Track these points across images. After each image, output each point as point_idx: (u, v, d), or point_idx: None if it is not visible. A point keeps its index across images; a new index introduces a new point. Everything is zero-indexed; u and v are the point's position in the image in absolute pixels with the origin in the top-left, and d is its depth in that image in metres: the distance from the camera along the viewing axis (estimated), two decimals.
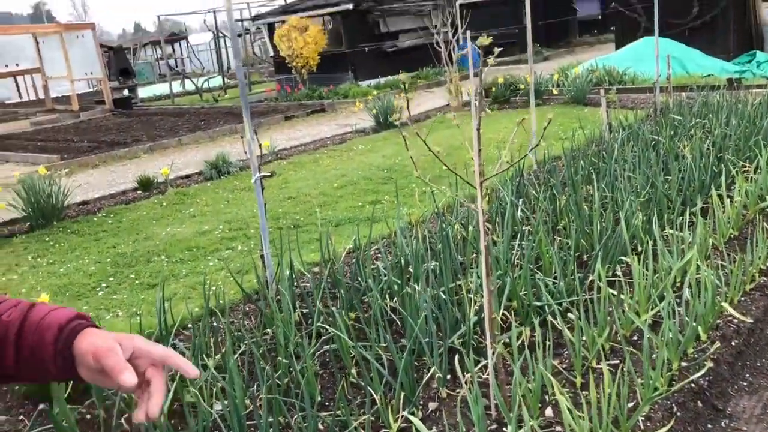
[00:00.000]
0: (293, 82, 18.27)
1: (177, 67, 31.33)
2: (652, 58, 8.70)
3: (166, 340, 3.37)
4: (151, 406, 0.97)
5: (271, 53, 21.11)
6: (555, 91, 11.54)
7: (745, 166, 5.44)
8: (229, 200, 7.19)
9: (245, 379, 3.08)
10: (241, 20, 24.71)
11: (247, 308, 4.10)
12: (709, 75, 11.51)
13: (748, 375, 3.03)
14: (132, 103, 19.62)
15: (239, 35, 24.54)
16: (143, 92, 24.61)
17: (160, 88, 25.67)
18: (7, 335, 0.99)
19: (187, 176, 8.67)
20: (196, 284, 4.68)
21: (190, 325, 3.85)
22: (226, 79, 23.57)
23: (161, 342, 3.42)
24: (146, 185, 7.98)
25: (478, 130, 2.39)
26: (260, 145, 4.19)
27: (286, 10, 20.44)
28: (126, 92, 20.16)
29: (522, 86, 11.78)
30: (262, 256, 4.08)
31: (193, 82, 22.71)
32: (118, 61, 21.04)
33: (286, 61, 17.99)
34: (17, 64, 20.91)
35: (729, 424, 2.71)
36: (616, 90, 10.03)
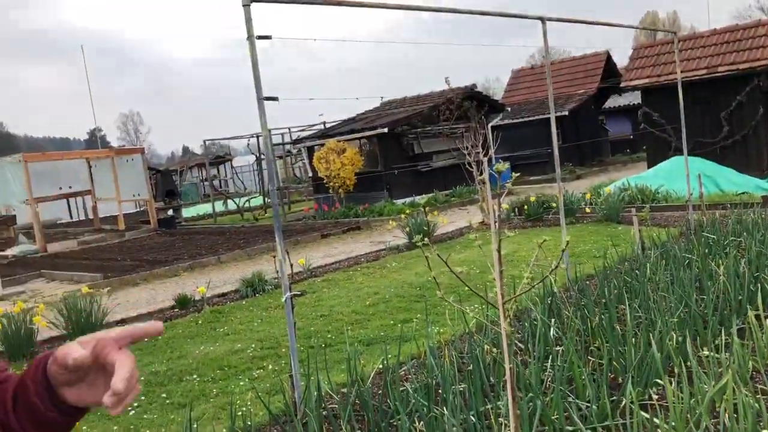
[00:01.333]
0: (330, 201, 18.78)
1: (221, 187, 32.55)
2: (684, 176, 8.78)
3: None
4: (114, 381, 0.93)
5: (311, 174, 21.87)
6: (588, 210, 11.62)
7: None
8: (263, 318, 7.26)
9: None
10: (282, 144, 25.82)
11: (274, 430, 4.05)
12: (743, 192, 11.51)
13: None
14: (176, 223, 20.29)
15: (280, 157, 25.57)
16: (187, 212, 25.50)
17: (204, 208, 26.59)
18: (5, 399, 1.02)
19: (224, 294, 8.81)
20: (225, 404, 4.66)
21: None
22: (266, 199, 24.33)
23: None
24: (183, 303, 8.13)
25: (499, 251, 2.45)
26: (291, 264, 4.30)
27: (325, 134, 21.35)
28: (170, 212, 20.91)
29: (554, 204, 11.90)
30: (291, 376, 4.09)
31: (234, 202, 23.50)
32: (165, 182, 22.00)
33: (324, 182, 18.59)
34: (70, 187, 21.99)
35: None
36: (649, 208, 10.06)
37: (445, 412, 3.40)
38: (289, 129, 25.58)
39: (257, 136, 24.44)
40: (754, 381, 3.80)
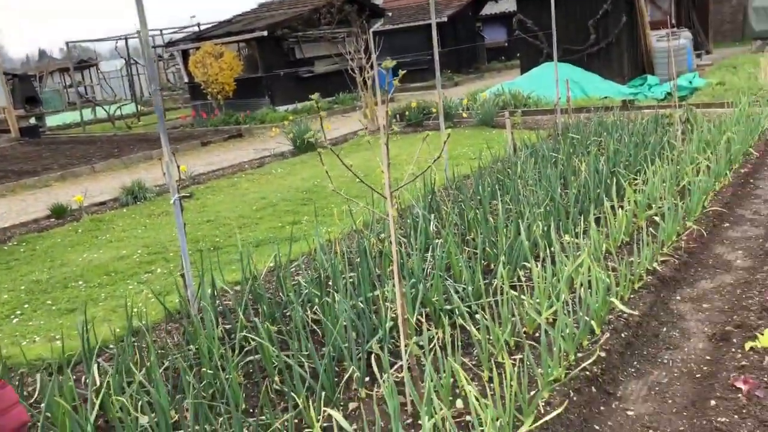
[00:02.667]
0: (209, 108, 18.20)
1: (87, 94, 30.48)
2: (554, 81, 9.29)
3: (90, 360, 3.41)
4: None
5: (186, 80, 20.94)
6: (465, 114, 12.05)
7: (635, 179, 5.94)
8: (147, 225, 7.17)
9: (170, 392, 3.16)
10: (155, 47, 24.39)
11: (170, 327, 4.16)
12: (605, 97, 12.33)
13: (636, 362, 3.36)
14: (40, 132, 18.99)
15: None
16: (51, 121, 23.83)
17: (70, 116, 24.91)
18: None
19: (103, 203, 8.54)
20: (116, 307, 4.69)
21: (112, 346, 3.89)
22: (139, 107, 23.15)
23: (85, 363, 3.47)
24: (60, 212, 7.83)
25: (387, 144, 2.62)
26: (178, 167, 4.29)
27: (200, 36, 20.36)
28: (33, 120, 19.49)
29: (434, 110, 12.23)
30: (182, 275, 4.16)
31: (105, 110, 22.19)
32: (24, 88, 20.37)
33: (202, 87, 17.91)
34: None
35: (619, 405, 3.02)
36: (521, 113, 10.59)
37: (337, 298, 3.64)
38: (161, 31, 24.17)
39: (126, 38, 22.95)
40: (607, 260, 4.31)
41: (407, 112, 12.48)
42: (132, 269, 5.61)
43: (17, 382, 3.39)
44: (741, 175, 6.43)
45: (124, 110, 22.31)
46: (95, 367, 3.32)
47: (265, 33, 17.75)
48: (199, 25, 23.51)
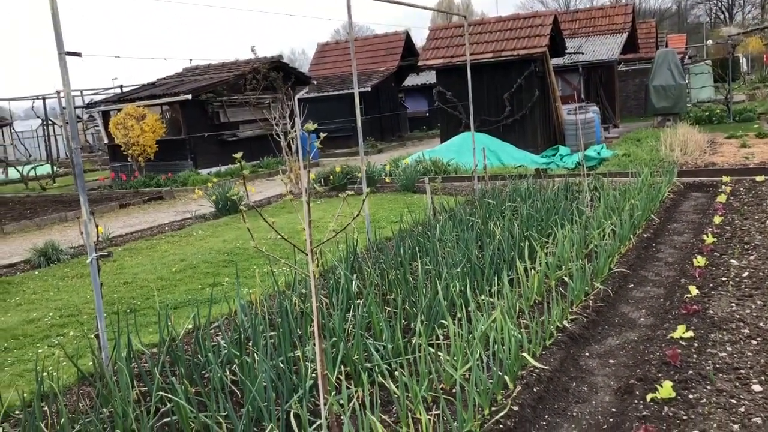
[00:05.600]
0: (129, 169, 17.87)
1: None
2: (472, 150, 9.71)
3: None
4: None
5: (106, 141, 20.57)
6: (388, 180, 12.35)
7: (547, 242, 6.25)
8: (60, 288, 6.92)
9: None
10: (75, 107, 23.92)
11: (82, 391, 4.02)
12: (520, 165, 12.93)
13: (547, 416, 3.50)
14: None
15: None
16: None
17: None
18: None
19: (12, 265, 8.20)
20: (23, 371, 4.50)
21: (17, 412, 3.73)
22: (54, 168, 22.47)
23: None
24: None
25: (308, 203, 2.72)
26: (97, 227, 4.24)
27: (122, 98, 20.16)
28: None
29: (358, 174, 12.48)
30: (97, 336, 4.06)
31: (17, 170, 21.41)
32: None
33: (122, 149, 17.62)
34: None
35: None
36: (440, 179, 10.96)
37: (257, 357, 3.64)
38: (81, 92, 23.78)
39: (43, 98, 22.46)
40: (520, 318, 4.50)
41: (331, 177, 12.68)
42: (43, 332, 5.40)
43: None
44: (644, 239, 6.86)
45: (38, 171, 21.60)
46: None
47: (189, 96, 17.78)
48: (121, 87, 23.29)
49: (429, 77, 27.81)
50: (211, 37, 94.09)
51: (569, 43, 20.00)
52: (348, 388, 3.45)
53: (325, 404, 2.81)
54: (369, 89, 23.74)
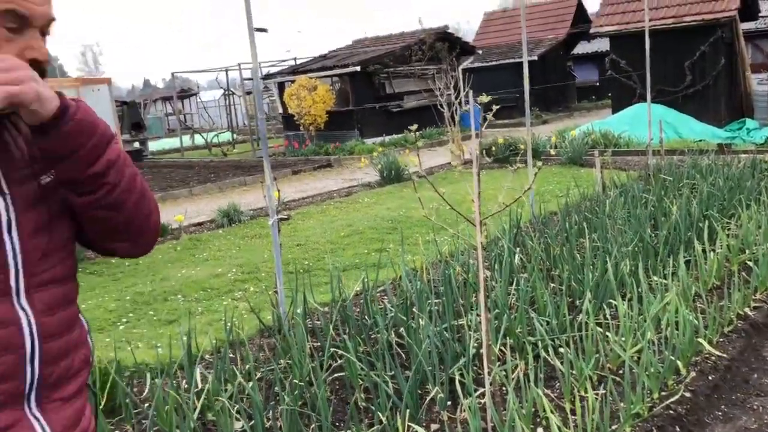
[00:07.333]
0: (301, 138, 18.86)
1: (187, 122, 32.16)
2: (646, 122, 9.17)
3: (191, 366, 3.66)
4: None
5: (280, 111, 21.82)
6: (553, 152, 12.01)
7: (729, 223, 5.80)
8: (240, 246, 7.54)
9: (261, 402, 3.36)
10: (251, 79, 25.55)
11: (261, 342, 4.39)
12: (701, 140, 12.01)
13: (723, 406, 3.31)
14: (143, 156, 20.18)
15: (249, 92, 25.36)
16: (153, 146, 25.28)
17: (169, 142, 26.36)
18: None
19: (200, 223, 9.04)
20: (212, 321, 4.98)
21: (207, 357, 4.15)
22: (234, 135, 24.24)
23: (186, 370, 3.72)
24: (161, 231, 8.33)
25: (478, 174, 2.75)
26: (278, 190, 4.57)
27: (295, 70, 21.22)
28: (137, 145, 20.76)
29: (522, 147, 12.25)
30: (275, 292, 4.40)
31: (202, 137, 23.36)
32: (131, 114, 21.71)
33: (295, 119, 18.63)
34: None
35: None
36: (611, 152, 10.48)
37: (422, 323, 3.76)
38: (259, 64, 25.26)
39: (227, 70, 24.15)
40: (695, 302, 4.25)
41: (494, 148, 12.56)
42: (227, 286, 5.93)
43: (126, 382, 3.67)
44: None
45: (220, 138, 23.41)
46: (197, 372, 3.57)
47: (358, 68, 18.33)
48: (295, 59, 24.48)
49: (601, 44, 26.41)
50: (382, 7, 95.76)
51: (763, 5, 18.09)
52: (511, 360, 3.47)
53: (489, 373, 2.86)
54: (536, 58, 23.07)
